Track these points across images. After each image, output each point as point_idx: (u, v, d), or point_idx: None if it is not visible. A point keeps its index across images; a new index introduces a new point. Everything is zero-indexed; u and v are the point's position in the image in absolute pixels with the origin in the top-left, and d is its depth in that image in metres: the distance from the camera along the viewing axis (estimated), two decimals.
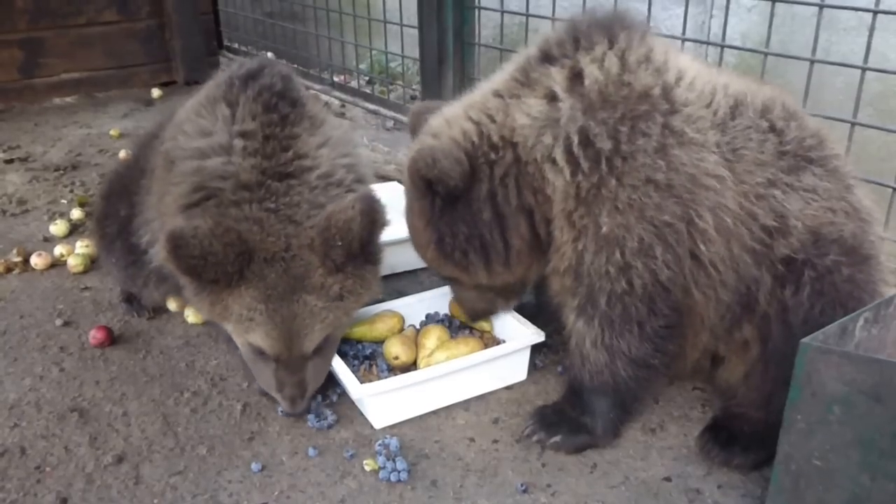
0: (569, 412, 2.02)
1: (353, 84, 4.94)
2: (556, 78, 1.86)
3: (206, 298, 1.93)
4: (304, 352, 1.97)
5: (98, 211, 2.69)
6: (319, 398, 2.17)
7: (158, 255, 1.92)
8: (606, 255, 1.81)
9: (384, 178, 3.35)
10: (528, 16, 3.57)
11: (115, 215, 2.49)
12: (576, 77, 1.84)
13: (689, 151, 1.78)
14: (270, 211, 1.91)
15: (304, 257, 1.90)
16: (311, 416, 2.10)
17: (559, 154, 1.81)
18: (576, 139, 1.79)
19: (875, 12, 2.40)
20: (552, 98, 1.85)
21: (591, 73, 1.82)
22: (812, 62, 2.56)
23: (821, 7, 2.52)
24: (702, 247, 1.80)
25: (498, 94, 1.93)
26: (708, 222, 1.78)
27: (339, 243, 1.87)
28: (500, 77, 1.98)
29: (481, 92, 1.99)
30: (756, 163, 1.83)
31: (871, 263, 1.89)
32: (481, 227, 1.91)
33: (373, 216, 1.89)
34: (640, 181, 1.77)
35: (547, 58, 1.90)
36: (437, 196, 1.90)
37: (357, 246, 1.89)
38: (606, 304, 1.86)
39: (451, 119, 1.96)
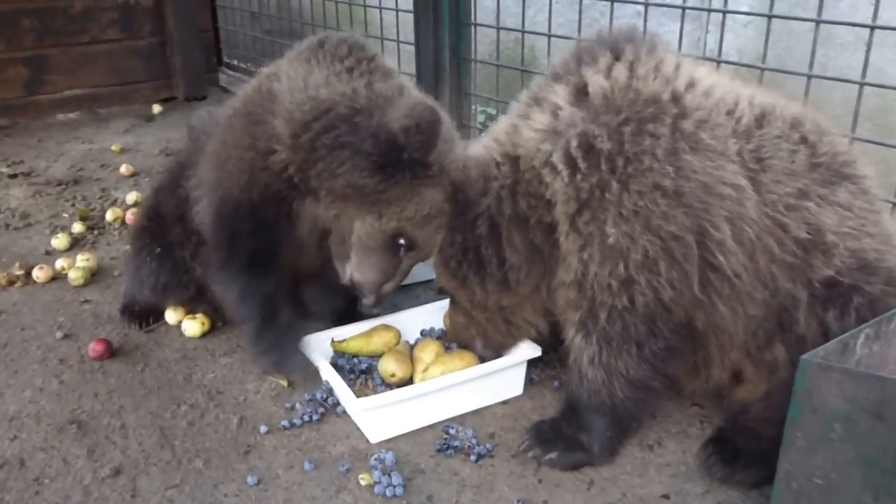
0: (565, 429, 2.00)
1: None
2: (560, 93, 1.88)
3: (404, 184, 1.87)
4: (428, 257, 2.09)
5: (144, 208, 2.70)
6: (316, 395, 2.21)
7: (393, 123, 1.83)
8: (610, 267, 1.77)
9: None
10: (523, 32, 3.59)
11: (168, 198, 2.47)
12: (580, 90, 1.86)
13: (702, 158, 1.73)
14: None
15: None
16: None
17: (557, 157, 1.82)
18: (574, 142, 1.79)
19: (872, 28, 2.40)
20: (556, 111, 1.88)
21: (596, 82, 1.83)
22: (809, 77, 2.57)
23: (818, 23, 2.53)
24: (720, 258, 1.75)
25: (510, 120, 2.01)
26: (725, 233, 1.73)
27: None
28: (516, 105, 2.05)
29: (502, 123, 2.07)
30: (786, 172, 1.78)
31: None
32: (478, 240, 1.94)
33: None
34: (646, 187, 1.72)
35: (554, 78, 1.95)
36: (457, 202, 1.95)
37: None
38: (606, 321, 1.83)
39: (473, 153, 2.04)
